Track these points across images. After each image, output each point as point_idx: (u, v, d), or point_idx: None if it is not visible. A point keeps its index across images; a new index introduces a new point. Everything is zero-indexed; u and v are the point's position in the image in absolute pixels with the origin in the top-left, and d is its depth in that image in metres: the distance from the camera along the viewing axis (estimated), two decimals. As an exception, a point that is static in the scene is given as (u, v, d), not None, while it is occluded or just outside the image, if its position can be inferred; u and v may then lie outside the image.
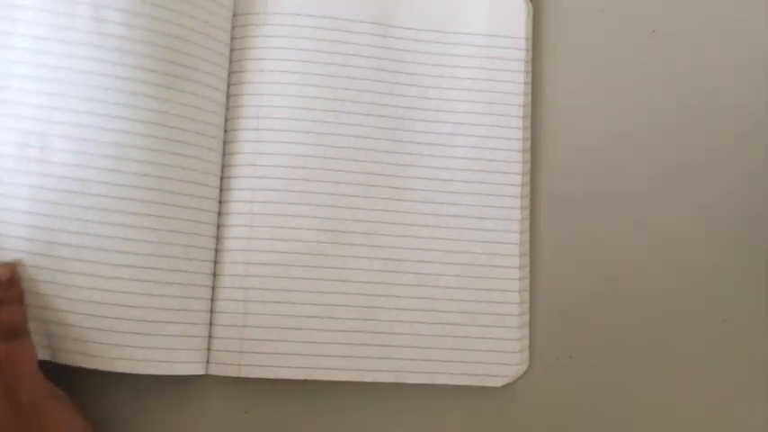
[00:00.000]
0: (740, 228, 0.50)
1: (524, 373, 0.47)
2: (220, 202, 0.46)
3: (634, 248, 0.49)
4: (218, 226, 0.46)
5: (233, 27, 0.47)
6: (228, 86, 0.47)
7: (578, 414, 0.47)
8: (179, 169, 0.43)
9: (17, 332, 0.39)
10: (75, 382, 0.42)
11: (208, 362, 0.44)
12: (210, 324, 0.45)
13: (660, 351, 0.48)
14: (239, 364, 0.44)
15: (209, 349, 0.44)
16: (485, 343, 0.46)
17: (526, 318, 0.47)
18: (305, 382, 0.45)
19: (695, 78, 0.51)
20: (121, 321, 0.41)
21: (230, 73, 0.47)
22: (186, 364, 0.43)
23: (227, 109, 0.47)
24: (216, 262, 0.45)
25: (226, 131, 0.46)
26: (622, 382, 0.48)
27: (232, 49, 0.47)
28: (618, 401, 0.48)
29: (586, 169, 0.50)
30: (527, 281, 0.47)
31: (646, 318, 0.48)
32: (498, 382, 0.46)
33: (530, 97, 0.49)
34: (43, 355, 0.41)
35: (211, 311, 0.45)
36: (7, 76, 0.41)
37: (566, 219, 0.49)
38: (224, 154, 0.46)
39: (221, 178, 0.46)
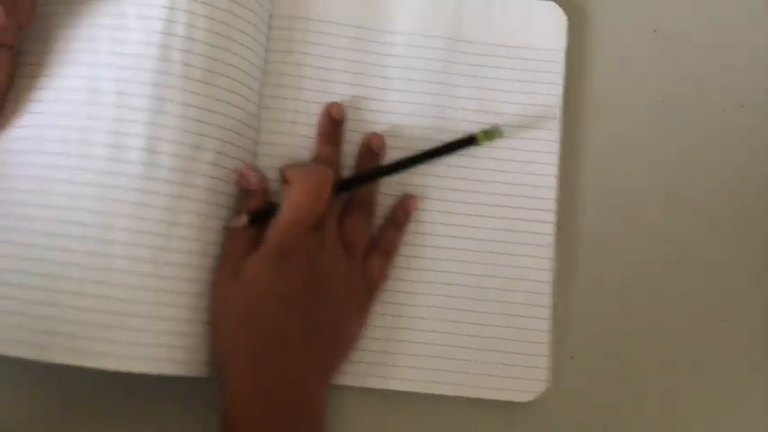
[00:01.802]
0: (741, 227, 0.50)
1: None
2: None
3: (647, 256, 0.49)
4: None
5: (271, 28, 0.47)
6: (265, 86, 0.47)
7: (591, 415, 0.48)
8: (211, 165, 0.43)
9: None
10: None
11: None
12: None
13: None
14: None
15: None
16: (514, 358, 0.46)
17: (548, 334, 0.47)
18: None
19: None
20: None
21: (269, 73, 0.47)
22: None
23: (263, 109, 0.47)
24: None
25: (261, 132, 0.47)
26: (633, 383, 0.48)
27: (271, 50, 0.47)
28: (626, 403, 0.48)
29: (605, 181, 0.50)
30: (549, 297, 0.48)
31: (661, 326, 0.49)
32: (526, 398, 0.46)
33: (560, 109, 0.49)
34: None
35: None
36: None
37: (579, 232, 0.49)
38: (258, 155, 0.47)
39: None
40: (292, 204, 0.41)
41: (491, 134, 0.46)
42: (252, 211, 0.43)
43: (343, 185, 0.44)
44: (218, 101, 0.43)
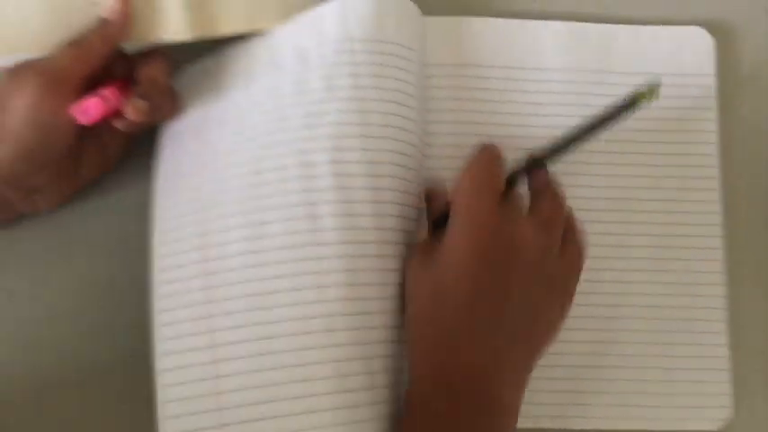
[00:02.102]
0: None
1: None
2: None
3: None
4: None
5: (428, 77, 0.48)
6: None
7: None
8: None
9: None
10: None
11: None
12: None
13: None
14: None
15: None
16: (695, 386, 0.46)
17: (728, 361, 0.47)
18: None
19: None
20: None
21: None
22: None
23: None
24: None
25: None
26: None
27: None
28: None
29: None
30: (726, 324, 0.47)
31: None
32: (711, 426, 0.46)
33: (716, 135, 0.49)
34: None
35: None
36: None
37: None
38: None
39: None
40: (471, 176, 0.39)
41: (651, 91, 0.41)
42: (433, 219, 0.42)
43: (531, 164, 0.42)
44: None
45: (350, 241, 0.40)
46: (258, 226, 0.40)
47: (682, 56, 0.49)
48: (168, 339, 0.40)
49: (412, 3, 0.46)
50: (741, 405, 0.47)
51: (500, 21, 0.49)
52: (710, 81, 0.49)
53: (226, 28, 0.45)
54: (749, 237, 0.49)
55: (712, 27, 0.50)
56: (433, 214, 0.43)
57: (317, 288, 0.39)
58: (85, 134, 0.43)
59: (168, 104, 0.45)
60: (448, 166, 0.46)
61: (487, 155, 0.41)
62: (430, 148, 0.47)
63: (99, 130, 0.43)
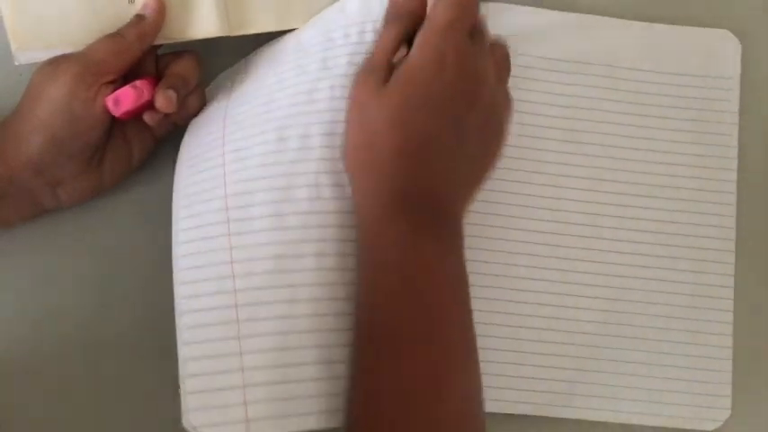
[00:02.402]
0: None
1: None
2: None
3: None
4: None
5: None
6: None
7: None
8: None
9: None
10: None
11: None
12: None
13: None
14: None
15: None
16: (696, 386, 0.47)
17: (728, 361, 0.48)
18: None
19: None
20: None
21: None
22: None
23: None
24: None
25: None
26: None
27: None
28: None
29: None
30: (730, 325, 0.48)
31: None
32: (709, 426, 0.47)
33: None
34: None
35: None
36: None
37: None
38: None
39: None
40: (447, 4, 0.39)
41: None
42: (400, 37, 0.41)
43: None
44: None
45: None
46: (283, 191, 0.41)
47: (708, 58, 0.49)
48: (189, 298, 0.40)
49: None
50: (739, 405, 0.47)
51: (523, 8, 0.49)
52: (734, 84, 0.49)
53: (256, 27, 0.46)
54: (759, 239, 0.50)
55: (734, 30, 0.50)
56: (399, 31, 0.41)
57: (340, 256, 0.40)
58: (114, 131, 0.44)
59: (195, 103, 0.46)
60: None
61: None
62: None
63: (126, 128, 0.45)
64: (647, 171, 0.48)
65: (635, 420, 0.47)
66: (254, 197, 0.41)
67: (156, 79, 0.45)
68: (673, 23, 0.50)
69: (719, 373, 0.47)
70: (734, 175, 0.49)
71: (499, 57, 0.42)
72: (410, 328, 0.36)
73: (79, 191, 0.45)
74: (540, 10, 0.49)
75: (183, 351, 0.39)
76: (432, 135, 0.38)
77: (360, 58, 0.42)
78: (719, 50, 0.49)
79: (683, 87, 0.49)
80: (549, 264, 0.47)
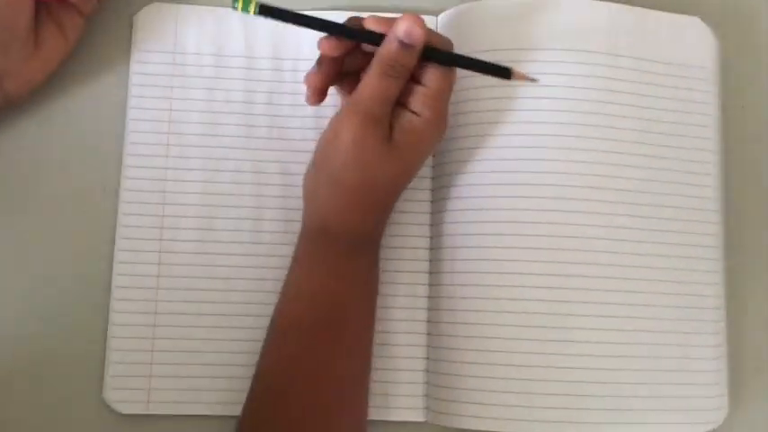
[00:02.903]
0: None
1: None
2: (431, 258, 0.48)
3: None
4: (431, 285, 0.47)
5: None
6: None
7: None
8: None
9: None
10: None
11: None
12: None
13: None
14: (449, 414, 0.45)
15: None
16: (682, 389, 0.45)
17: (723, 361, 0.46)
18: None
19: None
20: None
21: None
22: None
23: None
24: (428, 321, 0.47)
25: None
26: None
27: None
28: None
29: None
30: (723, 324, 0.47)
31: None
32: (708, 427, 0.45)
33: (719, 132, 0.48)
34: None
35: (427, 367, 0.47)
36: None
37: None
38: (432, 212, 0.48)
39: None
40: (444, 70, 0.43)
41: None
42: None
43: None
44: None
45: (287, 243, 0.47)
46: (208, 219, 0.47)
47: (683, 46, 0.48)
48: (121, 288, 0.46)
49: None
50: (736, 406, 0.46)
51: (508, 0, 0.47)
52: (709, 74, 0.48)
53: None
54: (749, 235, 0.49)
55: (720, 18, 0.50)
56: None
57: (253, 268, 0.47)
58: (41, 16, 0.46)
59: None
60: (455, 147, 0.47)
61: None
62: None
63: (52, 10, 0.46)
64: (632, 164, 0.46)
65: (632, 421, 0.45)
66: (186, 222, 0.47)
67: None
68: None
69: (715, 374, 0.46)
70: (712, 168, 0.47)
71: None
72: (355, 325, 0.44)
73: (24, 80, 0.46)
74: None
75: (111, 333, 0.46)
76: (399, 190, 0.45)
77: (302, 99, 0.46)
78: (693, 38, 0.48)
79: (666, 76, 0.47)
80: (542, 281, 0.45)
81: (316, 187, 0.43)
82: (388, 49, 0.41)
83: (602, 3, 0.48)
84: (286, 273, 0.44)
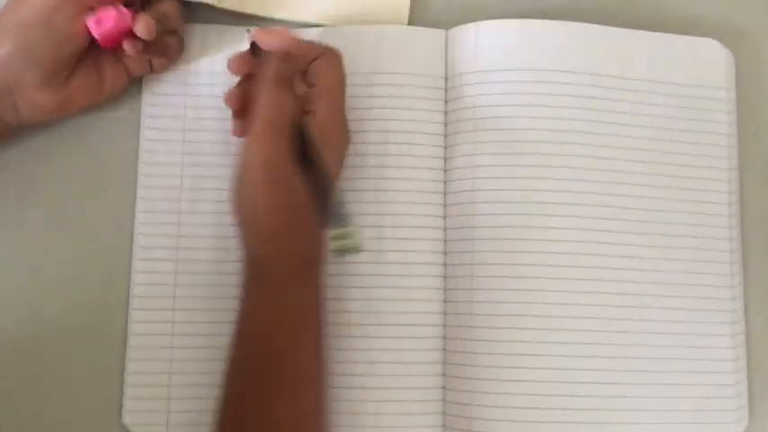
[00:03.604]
0: None
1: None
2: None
3: None
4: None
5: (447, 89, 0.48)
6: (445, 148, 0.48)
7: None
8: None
9: None
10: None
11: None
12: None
13: None
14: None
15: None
16: (700, 402, 0.45)
17: (743, 373, 0.46)
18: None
19: None
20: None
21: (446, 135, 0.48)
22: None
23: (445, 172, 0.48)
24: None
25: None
26: None
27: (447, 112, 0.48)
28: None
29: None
30: (742, 336, 0.47)
31: None
32: None
33: (735, 150, 0.49)
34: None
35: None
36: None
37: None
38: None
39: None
40: (332, 71, 0.43)
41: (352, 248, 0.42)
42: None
43: None
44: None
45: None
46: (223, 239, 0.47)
47: (697, 67, 0.48)
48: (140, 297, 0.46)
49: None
50: (756, 416, 0.46)
51: (517, 21, 0.48)
52: (724, 94, 0.48)
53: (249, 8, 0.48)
54: (766, 248, 0.49)
55: (734, 38, 0.50)
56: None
57: None
58: (89, 56, 0.44)
59: (174, 47, 0.46)
60: (468, 165, 0.46)
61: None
62: (451, 149, 0.47)
63: (102, 56, 0.45)
64: (649, 184, 0.47)
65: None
66: (201, 241, 0.47)
67: (138, 14, 0.44)
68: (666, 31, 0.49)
69: (733, 387, 0.46)
70: (726, 186, 0.48)
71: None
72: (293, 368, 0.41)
73: (39, 105, 0.44)
74: (546, 22, 0.48)
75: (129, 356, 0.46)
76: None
77: None
78: (708, 60, 0.49)
79: (676, 97, 0.48)
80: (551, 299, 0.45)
81: (239, 216, 0.42)
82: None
83: (614, 28, 0.48)
84: None
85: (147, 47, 0.44)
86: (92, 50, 0.44)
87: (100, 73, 0.45)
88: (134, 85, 0.47)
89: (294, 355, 0.41)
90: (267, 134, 0.40)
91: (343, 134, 0.44)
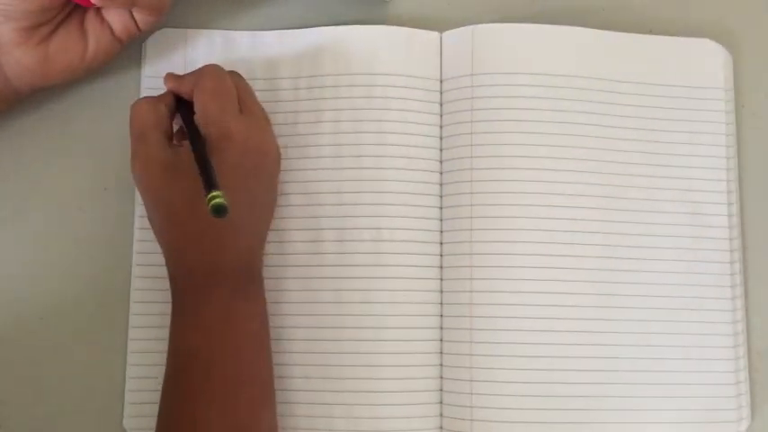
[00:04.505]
0: None
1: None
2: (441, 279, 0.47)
3: None
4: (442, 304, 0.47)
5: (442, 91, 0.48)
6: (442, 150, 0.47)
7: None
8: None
9: None
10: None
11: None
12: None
13: None
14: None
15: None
16: (701, 401, 0.45)
17: (744, 373, 0.46)
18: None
19: None
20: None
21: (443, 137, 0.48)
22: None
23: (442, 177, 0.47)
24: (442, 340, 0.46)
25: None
26: None
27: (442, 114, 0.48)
28: None
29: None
30: (743, 336, 0.47)
31: None
32: None
33: (734, 149, 0.49)
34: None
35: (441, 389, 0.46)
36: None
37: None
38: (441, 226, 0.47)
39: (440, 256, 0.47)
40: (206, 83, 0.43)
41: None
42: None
43: None
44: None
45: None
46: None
47: (695, 68, 0.48)
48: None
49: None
50: (758, 415, 0.46)
51: (513, 26, 0.47)
52: (722, 95, 0.48)
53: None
54: (767, 248, 0.48)
55: (729, 39, 0.50)
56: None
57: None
58: (72, 16, 0.44)
59: (158, 3, 0.44)
60: (465, 167, 0.46)
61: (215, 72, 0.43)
62: (446, 152, 0.47)
63: (87, 18, 0.44)
64: (647, 186, 0.47)
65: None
66: None
67: None
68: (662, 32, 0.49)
69: (736, 386, 0.45)
70: (724, 186, 0.47)
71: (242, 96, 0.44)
72: (221, 382, 0.40)
73: (21, 63, 0.43)
74: (543, 27, 0.48)
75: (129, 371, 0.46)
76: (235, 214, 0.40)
77: None
78: (706, 61, 0.49)
79: (675, 99, 0.48)
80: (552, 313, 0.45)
81: (158, 234, 0.43)
82: None
83: (610, 32, 0.48)
84: (306, 297, 0.45)
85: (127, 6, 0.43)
86: (76, 11, 0.43)
87: (83, 34, 0.44)
88: (134, 86, 0.47)
89: (219, 368, 0.40)
90: (141, 148, 0.42)
91: (221, 127, 0.42)
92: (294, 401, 0.44)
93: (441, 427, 0.45)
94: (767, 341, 0.47)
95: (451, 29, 0.48)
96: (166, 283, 0.44)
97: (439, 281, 0.46)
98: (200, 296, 0.41)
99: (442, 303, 0.46)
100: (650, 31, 0.49)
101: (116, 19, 0.44)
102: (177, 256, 0.42)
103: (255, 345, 0.42)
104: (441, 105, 0.47)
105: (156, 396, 0.44)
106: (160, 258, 0.45)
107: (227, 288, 0.41)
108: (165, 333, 0.44)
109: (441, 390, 0.45)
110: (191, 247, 0.41)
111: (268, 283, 0.44)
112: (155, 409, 0.44)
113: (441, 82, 0.48)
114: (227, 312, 0.41)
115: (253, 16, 0.49)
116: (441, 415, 0.45)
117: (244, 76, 0.45)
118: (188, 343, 0.41)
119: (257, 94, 0.45)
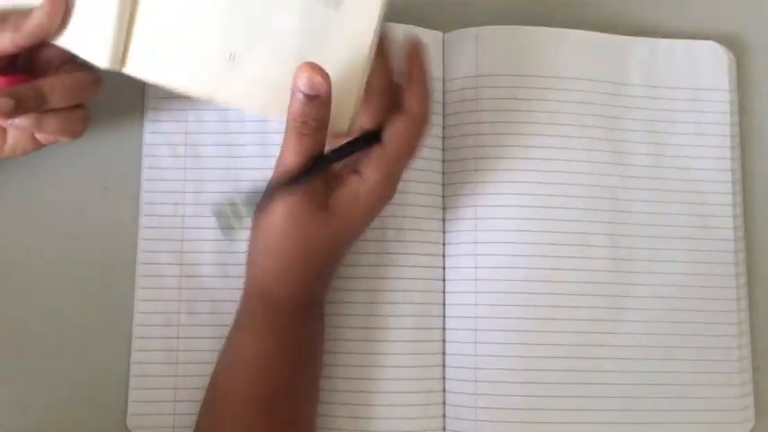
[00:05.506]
0: None
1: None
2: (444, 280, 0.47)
3: None
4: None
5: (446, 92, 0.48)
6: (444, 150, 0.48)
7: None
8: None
9: None
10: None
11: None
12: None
13: None
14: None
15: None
16: (705, 403, 0.45)
17: (748, 374, 0.46)
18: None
19: None
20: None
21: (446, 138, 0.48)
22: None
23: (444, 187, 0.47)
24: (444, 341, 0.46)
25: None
26: None
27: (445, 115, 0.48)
28: None
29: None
30: (747, 337, 0.47)
31: None
32: None
33: (738, 151, 0.49)
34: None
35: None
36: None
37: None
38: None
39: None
40: (404, 133, 0.40)
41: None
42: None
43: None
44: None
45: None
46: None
47: (698, 71, 0.48)
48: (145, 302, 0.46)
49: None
50: (762, 417, 0.46)
51: (517, 28, 0.48)
52: (726, 96, 0.48)
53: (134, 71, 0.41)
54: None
55: (733, 42, 0.50)
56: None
57: None
58: None
59: (74, 121, 0.42)
60: (468, 168, 0.46)
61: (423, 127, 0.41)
62: (449, 152, 0.47)
63: None
64: (652, 188, 0.47)
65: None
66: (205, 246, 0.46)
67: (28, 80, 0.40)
68: (665, 36, 0.49)
69: (740, 387, 0.46)
70: (729, 187, 0.48)
71: None
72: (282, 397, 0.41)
73: None
74: (547, 30, 0.48)
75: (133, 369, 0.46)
76: (342, 254, 0.42)
77: None
78: (709, 63, 0.49)
79: (680, 101, 0.48)
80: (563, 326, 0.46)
81: (254, 253, 0.41)
82: (294, 106, 0.37)
83: (613, 35, 0.48)
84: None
85: (38, 120, 0.40)
86: None
87: (3, 130, 0.42)
88: (135, 87, 0.47)
89: (293, 389, 0.41)
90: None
91: (381, 206, 0.42)
92: None
93: (444, 428, 0.45)
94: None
95: (453, 29, 0.48)
96: (170, 283, 0.45)
97: (442, 281, 0.46)
98: (290, 318, 0.41)
99: (445, 304, 0.46)
100: (654, 34, 0.49)
101: (22, 133, 0.42)
102: (284, 284, 0.41)
103: (315, 372, 0.43)
104: (443, 105, 0.47)
105: (159, 395, 0.44)
106: (165, 258, 0.45)
107: (313, 312, 0.42)
108: (169, 332, 0.45)
109: (444, 390, 0.45)
110: (312, 281, 0.41)
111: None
112: (158, 408, 0.44)
113: (443, 82, 0.48)
114: (306, 334, 0.42)
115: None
116: (444, 416, 0.45)
117: None
118: (253, 351, 0.41)
119: None
